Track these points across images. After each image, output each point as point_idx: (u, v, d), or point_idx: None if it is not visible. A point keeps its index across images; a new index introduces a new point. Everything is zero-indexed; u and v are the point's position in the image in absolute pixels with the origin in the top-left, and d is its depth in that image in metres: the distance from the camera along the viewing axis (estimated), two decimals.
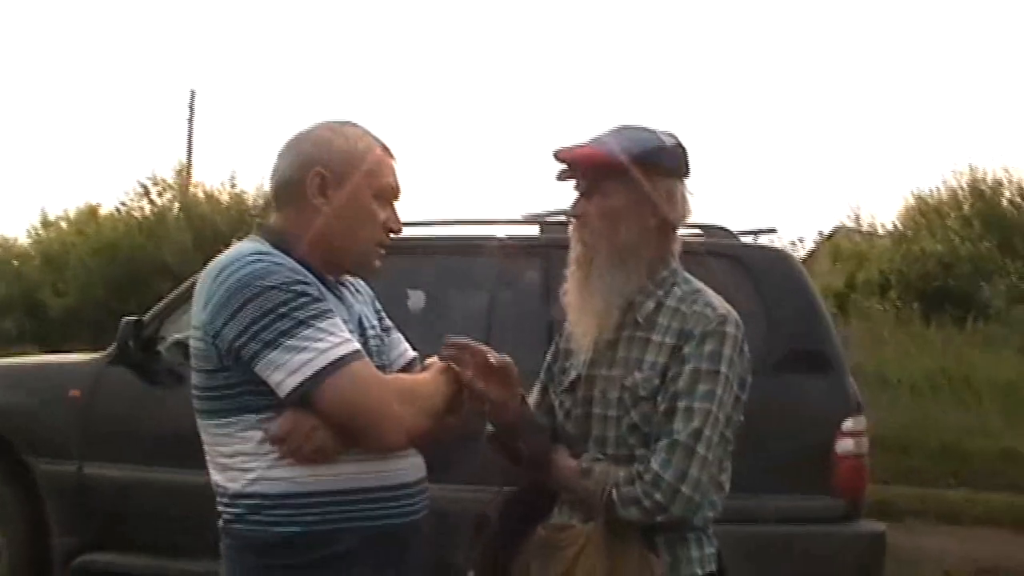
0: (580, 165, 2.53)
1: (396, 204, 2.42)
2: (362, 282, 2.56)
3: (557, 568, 2.43)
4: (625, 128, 2.53)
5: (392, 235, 2.41)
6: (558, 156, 2.54)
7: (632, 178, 2.45)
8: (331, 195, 2.31)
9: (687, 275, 2.57)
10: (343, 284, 2.44)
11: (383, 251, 2.41)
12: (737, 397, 2.47)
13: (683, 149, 2.54)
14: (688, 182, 2.56)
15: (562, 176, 2.57)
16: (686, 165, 2.55)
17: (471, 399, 2.41)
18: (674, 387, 2.38)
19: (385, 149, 2.40)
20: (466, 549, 4.96)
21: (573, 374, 2.59)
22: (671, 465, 2.31)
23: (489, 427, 2.59)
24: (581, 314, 2.52)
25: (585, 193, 2.52)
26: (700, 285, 2.55)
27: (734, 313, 2.48)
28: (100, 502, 5.76)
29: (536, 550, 2.54)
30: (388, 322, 2.57)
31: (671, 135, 2.54)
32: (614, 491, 2.35)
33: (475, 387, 2.37)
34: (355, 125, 2.41)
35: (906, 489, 9.98)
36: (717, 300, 2.49)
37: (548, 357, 2.75)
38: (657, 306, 2.48)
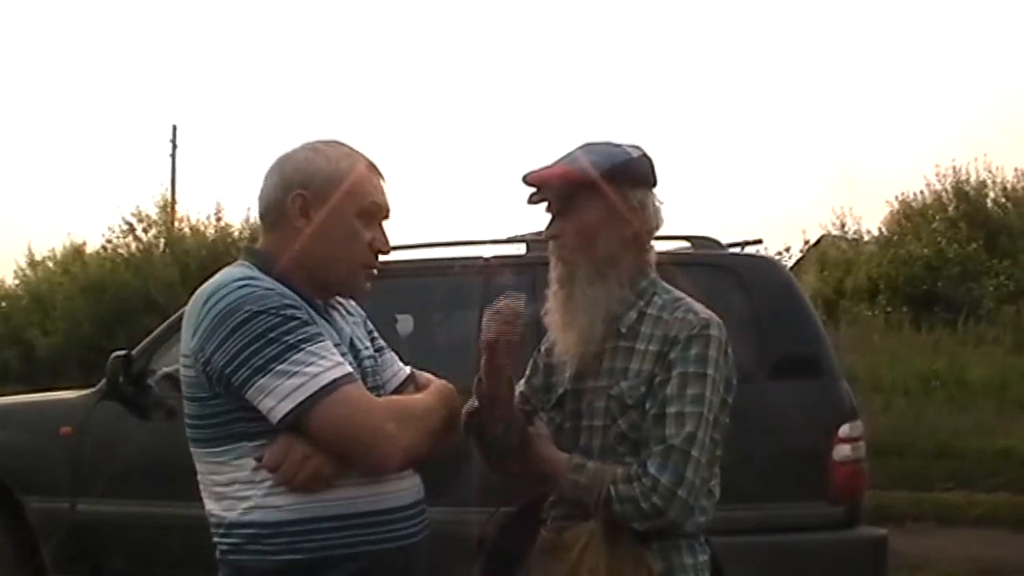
0: (552, 185, 2.54)
1: (384, 224, 2.39)
2: (353, 303, 2.53)
3: (562, 568, 2.44)
4: (590, 144, 2.56)
5: (381, 255, 2.38)
6: (528, 180, 2.55)
7: (608, 190, 2.48)
8: (313, 216, 2.28)
9: (666, 284, 2.60)
10: (333, 307, 2.41)
11: (372, 272, 2.38)
12: (724, 399, 2.48)
13: (649, 160, 2.58)
14: (658, 191, 2.60)
15: (533, 199, 2.59)
16: (654, 175, 2.59)
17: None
18: (663, 392, 2.39)
19: (371, 167, 2.37)
20: (465, 570, 4.97)
21: (560, 390, 2.60)
22: (667, 469, 2.32)
23: (472, 402, 2.57)
24: (565, 330, 2.53)
25: (559, 212, 2.55)
26: (679, 293, 2.57)
27: (716, 317, 2.49)
28: (94, 538, 5.73)
29: (538, 555, 2.55)
30: (381, 342, 2.54)
31: (636, 147, 2.57)
32: (612, 488, 2.36)
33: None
34: (340, 144, 2.38)
35: (904, 493, 9.98)
36: (698, 306, 2.52)
37: (527, 371, 2.75)
38: (639, 316, 2.51)
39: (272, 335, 2.09)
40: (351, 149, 2.38)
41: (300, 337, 2.11)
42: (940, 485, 10.55)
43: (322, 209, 2.27)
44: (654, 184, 2.59)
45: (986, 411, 13.11)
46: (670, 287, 2.59)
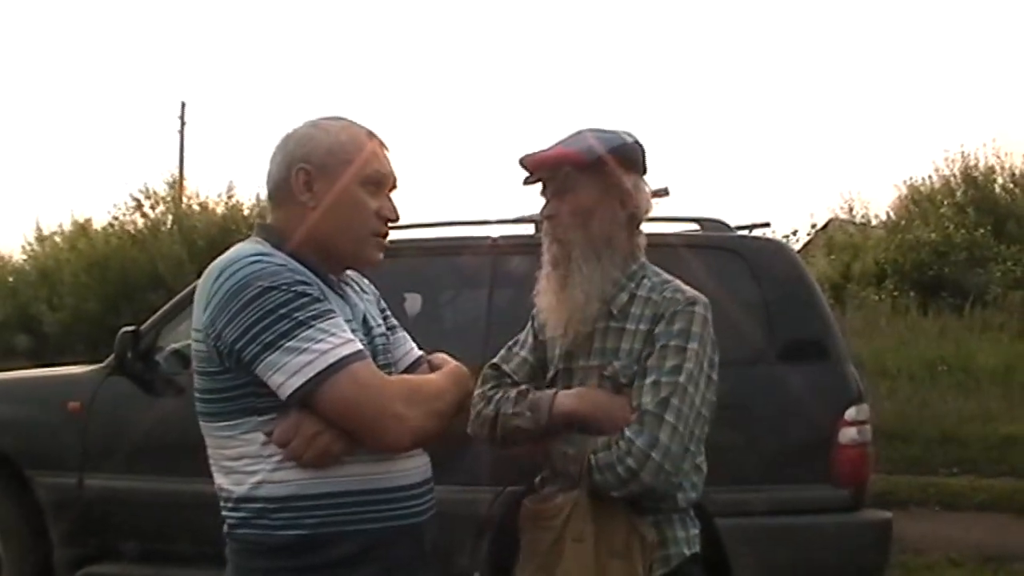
0: (549, 167, 2.59)
1: (392, 193, 2.40)
2: (367, 281, 2.54)
3: (547, 537, 2.47)
4: (586, 130, 2.61)
5: (390, 223, 2.39)
6: (524, 163, 2.61)
7: (603, 172, 2.54)
8: (317, 190, 2.29)
9: (656, 268, 2.65)
10: (347, 283, 2.42)
11: (382, 241, 2.38)
12: (708, 376, 2.49)
13: (642, 147, 2.64)
14: (657, 178, 2.70)
15: (529, 181, 2.64)
16: (645, 162, 2.65)
17: None
18: (645, 364, 2.44)
19: (372, 137, 2.38)
20: (471, 550, 4.98)
21: (552, 369, 2.65)
22: (642, 433, 2.36)
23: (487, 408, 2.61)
24: (558, 309, 2.57)
25: (555, 193, 2.60)
26: (668, 276, 2.62)
27: (703, 297, 2.54)
28: (101, 514, 5.75)
29: (524, 524, 2.58)
30: (393, 321, 2.55)
31: (630, 134, 2.63)
32: (592, 457, 2.40)
33: None
34: (340, 118, 2.39)
35: (908, 478, 9.98)
36: (686, 287, 2.57)
37: (526, 337, 2.77)
38: (630, 298, 2.56)
39: (283, 311, 2.10)
40: (351, 122, 2.40)
41: (310, 314, 2.12)
42: (944, 470, 10.56)
43: (325, 182, 2.29)
44: (645, 171, 2.66)
45: (992, 397, 13.09)
46: (659, 270, 2.65)
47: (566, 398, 2.51)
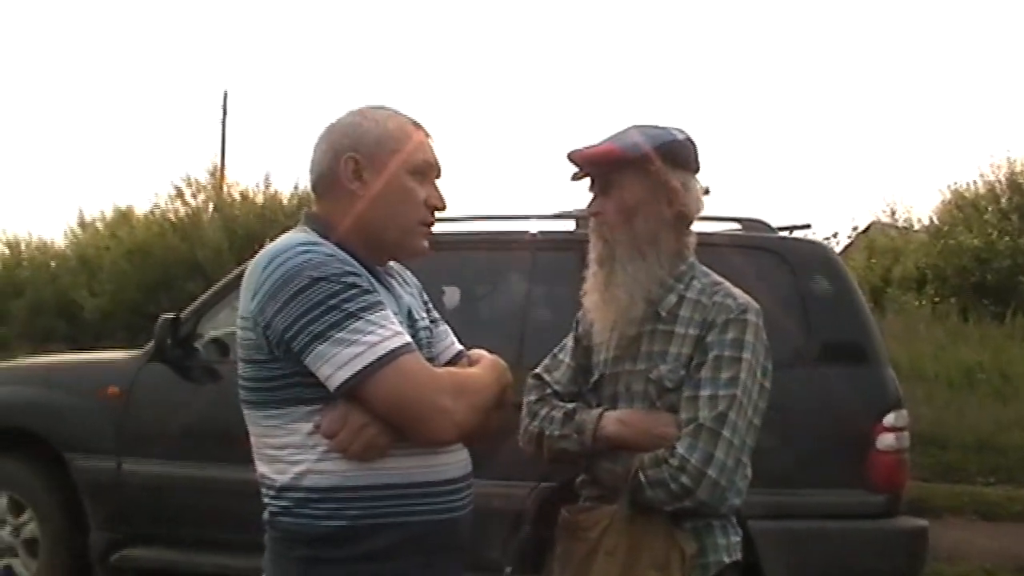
0: (595, 163, 2.56)
1: (437, 181, 2.40)
2: (409, 273, 2.55)
3: (581, 548, 2.46)
4: (636, 126, 2.58)
5: (437, 212, 2.39)
6: (572, 157, 2.59)
7: (649, 170, 2.50)
8: (366, 179, 2.29)
9: (705, 268, 2.61)
10: (392, 275, 2.43)
11: (429, 230, 2.38)
12: (761, 385, 2.47)
13: (694, 145, 2.60)
14: (700, 178, 2.62)
15: (577, 177, 2.62)
16: (697, 160, 2.61)
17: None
18: (698, 375, 2.41)
19: (418, 126, 2.38)
20: (503, 545, 4.98)
21: (596, 374, 2.62)
22: (697, 449, 2.34)
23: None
24: (604, 309, 2.55)
25: (601, 190, 2.57)
26: (718, 278, 2.59)
27: (754, 303, 2.51)
28: (138, 498, 5.80)
29: (561, 533, 2.57)
30: (436, 314, 2.55)
31: (682, 131, 2.59)
32: (640, 474, 2.38)
33: None
34: (385, 108, 2.39)
35: (944, 486, 9.90)
36: (737, 291, 2.54)
37: (569, 342, 2.76)
38: (679, 299, 2.52)
39: (332, 302, 2.10)
40: (396, 111, 2.40)
41: (360, 305, 2.12)
42: (981, 479, 10.47)
43: (374, 171, 2.29)
44: (697, 169, 2.61)
45: None
46: (709, 271, 2.62)
47: (610, 423, 2.49)
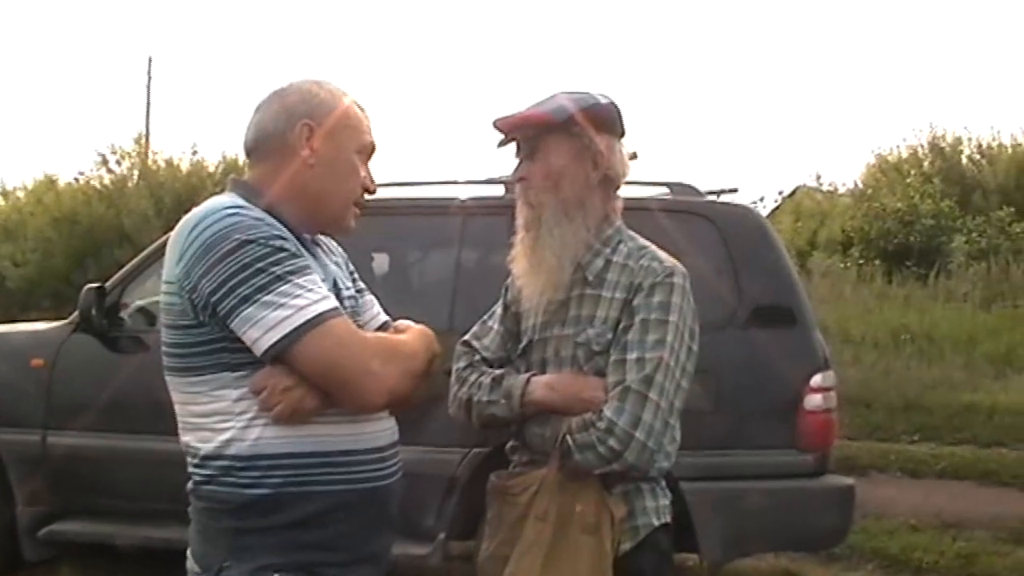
0: (521, 129, 2.56)
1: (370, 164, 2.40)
2: (335, 244, 2.52)
3: (511, 513, 2.47)
4: (561, 92, 2.58)
5: (367, 195, 2.38)
6: (497, 125, 2.58)
7: (574, 133, 2.51)
8: (317, 147, 2.27)
9: (632, 233, 2.62)
10: (317, 244, 2.40)
11: (358, 211, 2.38)
12: (689, 347, 2.48)
13: (618, 109, 2.60)
14: (628, 142, 2.62)
15: (503, 143, 2.63)
16: (622, 124, 2.61)
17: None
18: (625, 338, 2.42)
19: (362, 108, 2.39)
20: (437, 511, 4.99)
21: (525, 339, 2.62)
22: (624, 411, 2.35)
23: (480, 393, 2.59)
24: (532, 275, 2.55)
25: (527, 155, 2.57)
26: (645, 242, 2.59)
27: (680, 266, 2.52)
28: (64, 471, 5.71)
29: (491, 498, 2.58)
30: (361, 284, 2.54)
31: (605, 96, 2.59)
32: (569, 438, 2.38)
33: None
34: (319, 80, 2.37)
35: (870, 444, 10.08)
36: (663, 254, 2.54)
37: (498, 308, 2.75)
38: (606, 264, 2.53)
39: (260, 265, 2.07)
40: (343, 89, 2.39)
41: (288, 268, 2.09)
42: (907, 438, 10.67)
43: (327, 141, 2.28)
44: (622, 133, 2.61)
45: (954, 366, 13.25)
46: (635, 235, 2.62)
47: (537, 387, 2.49)
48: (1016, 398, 11.76)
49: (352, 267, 2.56)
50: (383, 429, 2.31)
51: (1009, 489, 8.77)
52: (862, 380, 12.04)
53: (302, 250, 2.22)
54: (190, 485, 2.23)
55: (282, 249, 2.11)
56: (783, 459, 5.04)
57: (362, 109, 2.38)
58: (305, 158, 2.27)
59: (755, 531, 5.09)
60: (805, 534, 5.25)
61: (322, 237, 2.45)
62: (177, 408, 2.24)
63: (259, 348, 2.07)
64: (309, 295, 2.09)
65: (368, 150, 2.37)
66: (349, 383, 2.13)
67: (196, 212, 2.18)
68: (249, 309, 2.06)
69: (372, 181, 2.38)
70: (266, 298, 2.06)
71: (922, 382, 12.47)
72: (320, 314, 2.09)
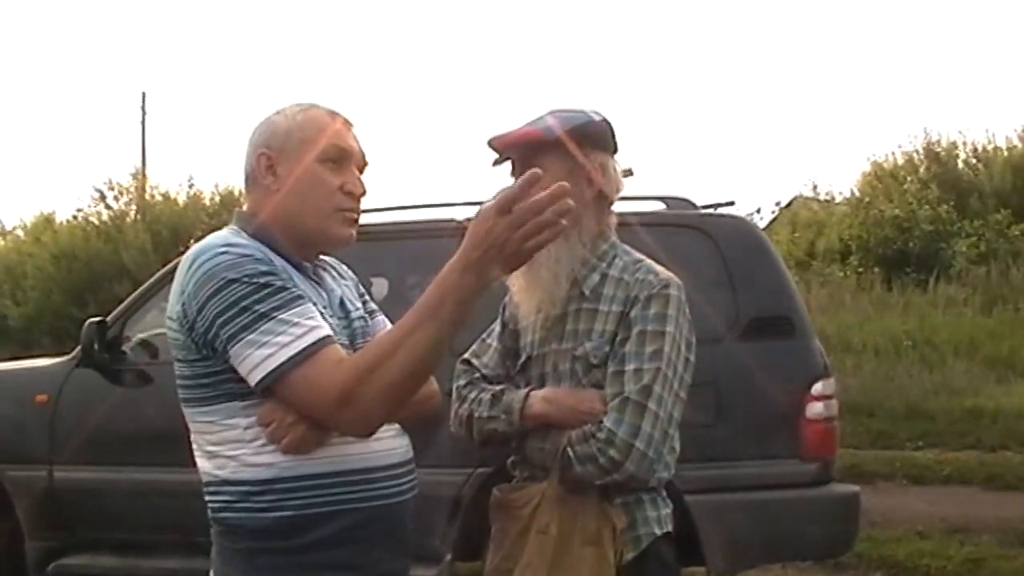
0: (515, 147, 2.59)
1: (361, 170, 2.39)
2: (346, 267, 2.54)
3: (514, 527, 2.49)
4: (555, 110, 2.61)
5: (358, 199, 2.36)
6: (492, 144, 2.62)
7: (567, 152, 2.53)
8: (280, 172, 2.30)
9: (627, 247, 2.65)
10: (324, 268, 2.42)
11: (350, 216, 2.35)
12: (686, 358, 2.51)
13: (611, 126, 2.64)
14: (623, 158, 2.66)
15: (498, 163, 2.65)
16: (614, 141, 2.64)
17: None
18: (622, 350, 2.44)
19: (335, 116, 2.37)
20: (443, 532, 4.99)
21: (523, 355, 2.65)
22: (623, 422, 2.37)
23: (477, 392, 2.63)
24: (529, 291, 2.57)
25: (522, 174, 2.57)
26: (640, 255, 2.62)
27: (676, 278, 2.54)
28: (71, 505, 5.72)
29: (493, 513, 2.60)
30: (373, 305, 2.54)
31: (598, 113, 2.62)
32: (569, 450, 2.41)
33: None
34: (302, 103, 2.39)
35: (874, 452, 10.07)
36: (659, 267, 2.57)
37: (497, 326, 2.78)
38: (602, 278, 2.56)
39: (244, 303, 2.09)
40: (314, 104, 2.39)
41: (273, 305, 2.10)
42: (910, 444, 10.66)
43: (286, 163, 2.30)
44: (615, 150, 2.65)
45: (956, 371, 13.23)
46: (631, 250, 2.65)
47: (536, 401, 2.51)
48: (1019, 401, 11.76)
49: (363, 289, 2.57)
50: (396, 447, 2.32)
51: (1015, 492, 8.76)
52: (864, 388, 12.05)
53: (296, 279, 2.23)
54: (209, 512, 2.25)
55: (267, 285, 2.12)
56: (787, 469, 5.05)
57: (335, 116, 2.36)
58: (268, 186, 2.30)
59: (761, 542, 5.09)
60: (811, 544, 5.24)
61: (332, 261, 2.48)
62: (193, 437, 2.27)
63: (252, 384, 2.11)
64: (293, 331, 2.09)
65: (337, 155, 2.33)
66: (324, 421, 2.13)
67: (194, 250, 2.22)
68: (236, 347, 2.09)
69: (357, 184, 2.35)
70: (250, 337, 2.08)
71: (924, 388, 12.48)
72: (302, 350, 2.09)
